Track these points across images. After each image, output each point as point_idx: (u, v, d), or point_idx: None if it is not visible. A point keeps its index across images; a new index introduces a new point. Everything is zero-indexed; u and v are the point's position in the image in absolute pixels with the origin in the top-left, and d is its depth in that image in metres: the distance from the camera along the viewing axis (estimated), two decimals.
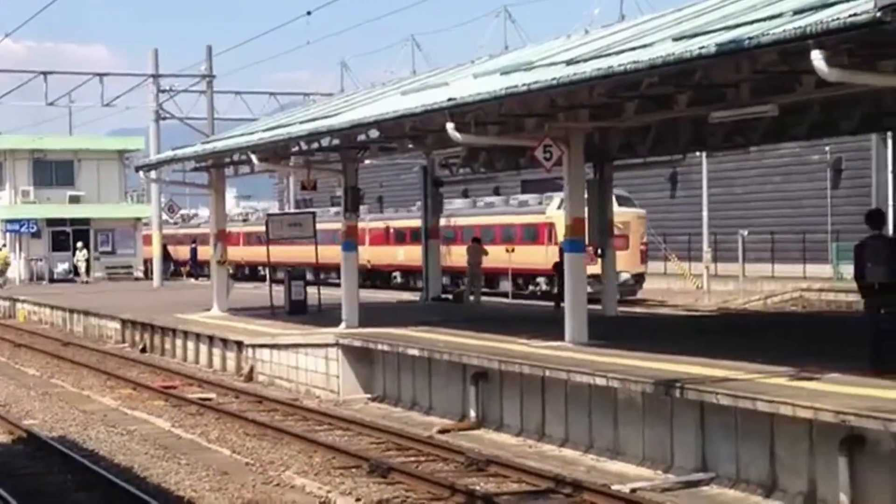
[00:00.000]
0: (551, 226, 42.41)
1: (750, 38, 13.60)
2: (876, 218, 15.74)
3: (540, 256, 42.29)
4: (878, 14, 11.66)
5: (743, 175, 52.43)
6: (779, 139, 27.09)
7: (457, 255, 43.01)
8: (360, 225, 54.11)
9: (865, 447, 12.64)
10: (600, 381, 16.34)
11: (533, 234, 44.64)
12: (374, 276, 53.08)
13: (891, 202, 42.29)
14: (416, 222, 47.28)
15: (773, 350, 18.17)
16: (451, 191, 49.97)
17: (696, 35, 15.78)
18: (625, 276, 40.86)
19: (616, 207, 40.86)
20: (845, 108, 21.83)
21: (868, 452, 12.62)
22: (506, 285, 42.85)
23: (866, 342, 15.58)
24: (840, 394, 13.62)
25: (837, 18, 12.33)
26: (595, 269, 39.98)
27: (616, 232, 39.84)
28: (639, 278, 43.63)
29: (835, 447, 12.80)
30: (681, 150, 28.31)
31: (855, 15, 12.09)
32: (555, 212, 41.26)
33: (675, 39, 16.13)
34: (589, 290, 39.43)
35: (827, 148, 47.49)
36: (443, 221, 47.43)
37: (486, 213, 48.64)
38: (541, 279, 43.43)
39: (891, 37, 13.28)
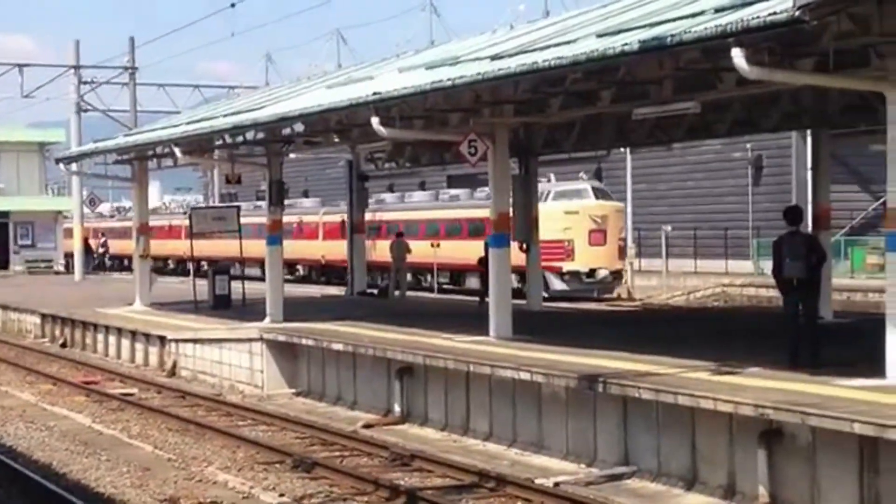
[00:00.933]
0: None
1: (672, 36, 13.73)
2: (793, 215, 15.94)
3: (513, 252, 40.07)
4: (797, 13, 11.82)
5: (666, 171, 52.89)
6: (701, 136, 27.42)
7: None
8: (314, 218, 52.04)
9: (783, 440, 12.83)
10: (524, 376, 16.41)
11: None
12: (328, 273, 50.59)
13: (810, 199, 42.84)
14: (378, 215, 45.74)
15: (695, 345, 18.37)
16: (377, 185, 49.90)
17: (619, 32, 15.90)
18: (603, 272, 39.54)
19: (593, 200, 39.62)
20: (766, 106, 22.13)
21: (786, 445, 12.81)
22: (473, 282, 39.55)
23: (785, 337, 15.83)
24: (759, 388, 13.80)
25: (757, 17, 12.49)
26: (573, 265, 38.49)
27: (594, 226, 38.94)
28: (617, 275, 41.47)
29: (754, 440, 12.98)
30: (605, 146, 28.59)
31: (774, 14, 12.25)
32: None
33: (599, 36, 16.24)
34: (565, 287, 38.11)
35: (748, 145, 48.07)
36: (402, 215, 47.00)
37: (448, 206, 45.28)
38: (511, 276, 40.85)
39: (809, 36, 13.53)
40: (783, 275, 15.57)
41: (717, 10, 14.07)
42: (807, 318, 15.65)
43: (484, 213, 38.48)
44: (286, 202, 52.20)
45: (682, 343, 18.72)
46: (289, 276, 45.51)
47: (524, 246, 27.08)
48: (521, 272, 38.75)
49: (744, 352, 16.94)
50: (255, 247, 42.82)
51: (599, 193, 40.76)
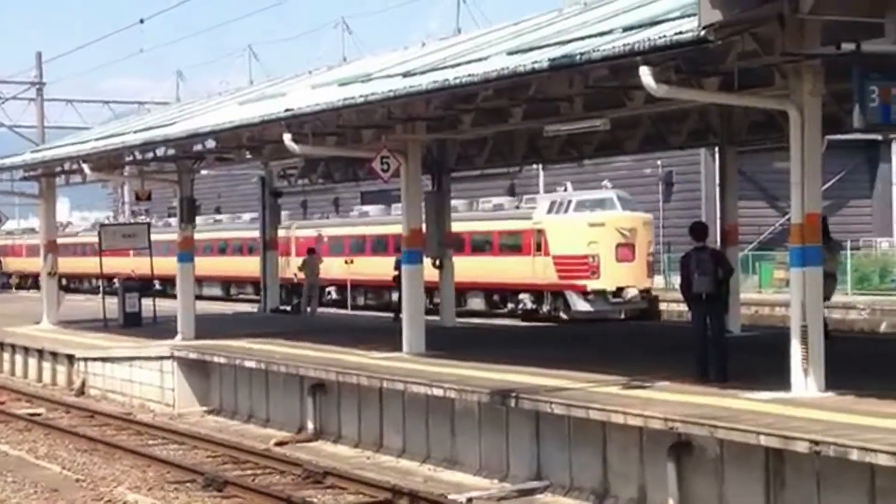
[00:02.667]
0: (540, 233, 35.59)
1: (581, 54, 13.91)
2: (699, 231, 16.12)
3: (524, 269, 35.49)
4: (702, 33, 12.04)
5: (580, 187, 53.37)
6: (612, 152, 27.72)
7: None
8: (285, 234, 45.76)
9: (693, 453, 12.99)
10: (437, 392, 16.43)
11: (514, 243, 37.38)
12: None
13: (718, 215, 43.33)
14: (362, 229, 42.23)
15: (606, 359, 18.53)
16: (291, 202, 49.64)
17: (530, 49, 16.05)
18: (631, 292, 34.54)
19: (620, 210, 35.05)
20: (674, 123, 22.48)
21: (695, 458, 12.97)
22: (476, 302, 36.79)
23: (693, 351, 16.04)
24: (669, 401, 13.97)
25: (664, 36, 12.70)
26: (598, 283, 33.66)
27: (621, 240, 34.23)
28: (646, 294, 35.90)
29: (664, 453, 13.13)
30: (517, 162, 28.73)
31: (680, 33, 12.47)
32: (545, 216, 35.52)
33: (510, 53, 16.38)
34: (589, 307, 33.39)
35: (659, 162, 48.66)
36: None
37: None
38: (524, 296, 36.11)
39: (714, 55, 13.78)
40: (692, 290, 15.76)
41: (625, 30, 14.28)
42: (714, 332, 15.87)
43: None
44: (252, 215, 49.89)
45: (594, 358, 18.87)
46: (256, 297, 41.44)
47: (437, 262, 27.12)
48: (463, 289, 35.22)
49: (654, 366, 17.12)
50: (205, 264, 41.55)
51: (626, 203, 36.36)
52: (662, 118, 21.78)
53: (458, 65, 17.67)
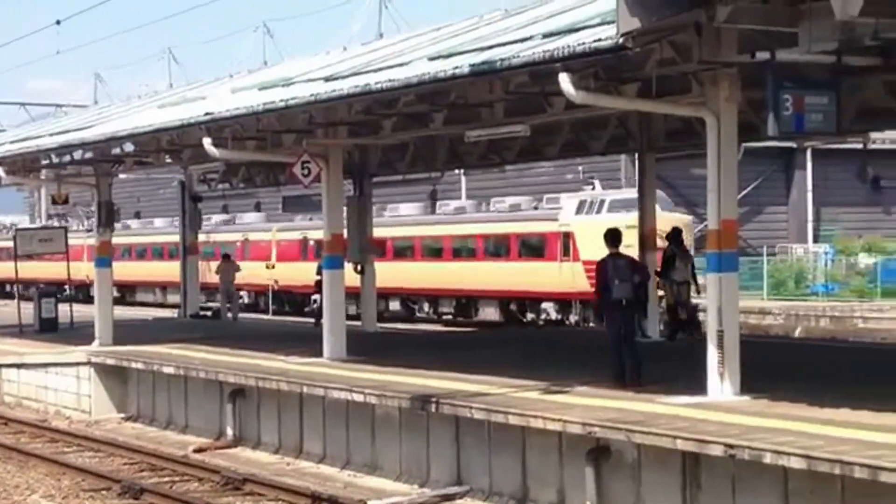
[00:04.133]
0: (568, 236, 32.92)
1: (502, 60, 13.97)
2: (613, 237, 16.17)
3: (549, 276, 32.65)
4: (621, 40, 12.14)
5: (502, 192, 53.57)
6: (533, 158, 27.84)
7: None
8: (265, 236, 44.69)
9: (611, 457, 13.08)
10: (358, 397, 16.39)
11: (537, 248, 34.60)
12: (284, 300, 43.61)
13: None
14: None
15: (528, 364, 18.61)
16: (212, 206, 49.18)
17: (451, 55, 16.07)
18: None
19: (659, 212, 30.32)
20: (594, 130, 22.64)
21: (613, 462, 13.07)
22: (490, 312, 33.93)
23: (610, 356, 16.15)
24: (587, 406, 14.05)
25: (583, 43, 12.79)
26: None
27: (662, 244, 32.61)
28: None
29: (582, 458, 13.21)
30: (439, 167, 28.77)
31: (599, 40, 12.56)
32: (574, 217, 32.85)
33: (431, 59, 16.39)
34: None
35: (580, 167, 49.03)
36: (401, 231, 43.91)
37: (458, 220, 38.71)
38: (548, 304, 33.32)
39: (633, 62, 13.91)
40: (612, 296, 15.76)
41: (545, 36, 14.35)
42: (629, 337, 16.01)
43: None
44: (230, 216, 48.08)
45: (516, 362, 18.93)
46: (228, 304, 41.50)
47: (359, 268, 27.06)
48: (474, 297, 34.18)
49: (575, 371, 17.21)
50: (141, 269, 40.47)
51: (664, 203, 33.31)
52: (583, 124, 21.93)
53: (380, 70, 17.64)
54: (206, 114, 19.50)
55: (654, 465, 12.60)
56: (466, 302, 36.20)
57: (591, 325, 30.43)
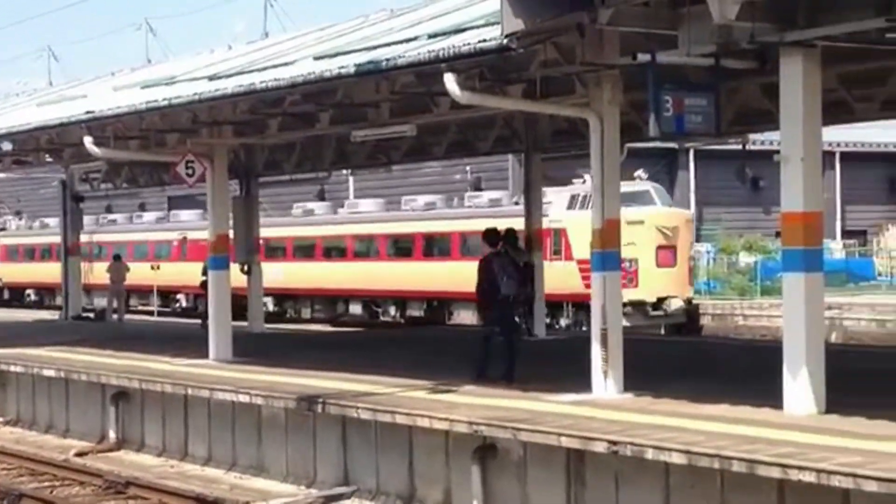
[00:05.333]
0: (559, 233, 30.68)
1: (387, 60, 13.99)
2: (492, 236, 16.39)
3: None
4: (505, 41, 12.23)
5: (389, 192, 53.59)
6: (420, 158, 27.92)
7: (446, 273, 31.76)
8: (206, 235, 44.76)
9: (497, 456, 13.16)
10: (243, 398, 16.26)
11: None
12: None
13: (523, 220, 43.43)
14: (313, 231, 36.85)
15: (416, 363, 18.63)
16: (95, 206, 48.28)
17: (336, 55, 16.05)
18: (676, 303, 29.79)
19: (661, 206, 30.22)
20: (481, 130, 22.77)
21: (499, 460, 13.14)
22: (466, 315, 30.82)
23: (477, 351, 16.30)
24: (474, 405, 14.11)
25: (468, 44, 12.87)
26: (637, 293, 28.59)
27: (663, 241, 29.48)
28: (689, 306, 30.91)
29: (469, 456, 13.27)
30: (326, 167, 28.66)
31: (484, 41, 12.65)
32: (565, 213, 30.60)
33: (317, 58, 16.35)
34: (625, 323, 31.54)
35: (468, 167, 49.25)
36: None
37: (428, 216, 36.02)
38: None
39: (518, 63, 14.04)
40: (500, 294, 15.84)
41: (430, 37, 14.41)
42: (511, 334, 16.22)
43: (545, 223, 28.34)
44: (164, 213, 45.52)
45: (404, 362, 18.95)
46: (165, 308, 39.13)
47: (245, 268, 26.85)
48: (448, 299, 31.09)
49: (462, 370, 17.25)
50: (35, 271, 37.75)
51: (663, 197, 31.58)
52: (469, 124, 22.05)
53: (265, 69, 17.55)
54: (87, 112, 19.20)
55: (539, 463, 12.71)
56: (438, 304, 33.60)
57: (585, 328, 27.80)
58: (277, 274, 35.57)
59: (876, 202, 54.67)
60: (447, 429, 13.45)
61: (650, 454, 11.18)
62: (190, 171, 19.58)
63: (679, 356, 20.45)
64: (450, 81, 13.22)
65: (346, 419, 14.90)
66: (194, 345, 21.43)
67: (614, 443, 11.52)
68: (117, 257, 36.25)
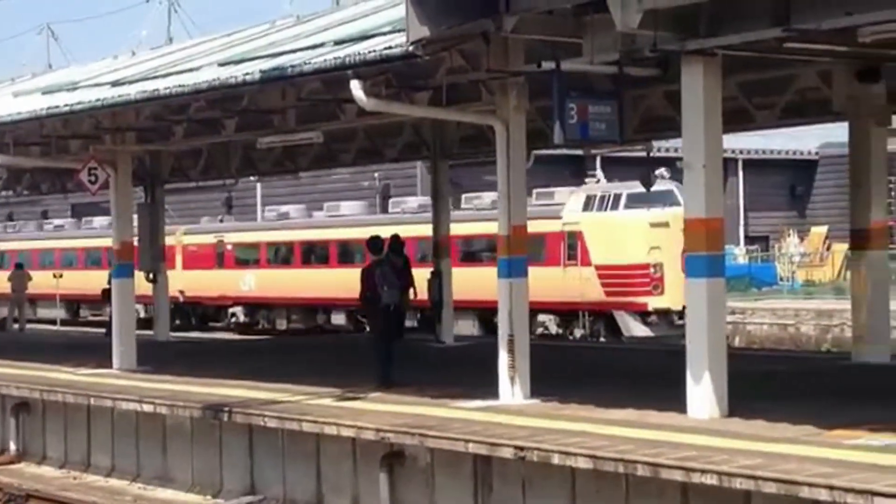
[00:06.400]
0: (575, 236, 28.39)
1: (293, 66, 13.94)
2: (375, 244, 16.66)
3: (549, 283, 26.97)
4: (411, 48, 12.25)
5: (299, 199, 53.37)
6: (328, 165, 27.79)
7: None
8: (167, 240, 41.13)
9: (405, 462, 13.15)
10: (147, 408, 16.06)
11: (532, 250, 30.40)
12: (186, 313, 38.00)
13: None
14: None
15: (323, 371, 18.53)
16: None
17: (242, 61, 15.96)
18: None
19: (675, 208, 27.03)
20: (389, 137, 22.77)
21: (407, 467, 13.14)
22: (466, 325, 28.64)
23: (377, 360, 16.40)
24: (381, 412, 14.09)
25: (374, 51, 12.88)
26: (662, 301, 26.94)
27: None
28: None
29: (376, 464, 13.25)
30: (233, 174, 28.41)
31: (390, 48, 12.67)
32: (582, 215, 28.50)
33: (221, 65, 16.24)
34: (647, 332, 25.64)
35: (376, 174, 49.23)
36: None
37: (421, 220, 30.72)
38: (547, 316, 28.55)
39: (424, 70, 14.06)
40: (382, 301, 16.11)
41: (336, 43, 14.39)
42: (390, 341, 16.44)
43: (557, 226, 28.92)
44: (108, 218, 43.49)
45: (310, 370, 18.83)
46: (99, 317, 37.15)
47: (151, 276, 26.52)
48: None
49: (369, 377, 17.21)
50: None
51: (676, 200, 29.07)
52: (377, 131, 22.04)
53: (169, 74, 17.38)
54: None
55: (446, 469, 12.72)
56: (431, 314, 32.31)
57: (603, 339, 27.25)
58: (249, 282, 34.50)
59: (778, 208, 55.60)
60: (354, 436, 13.41)
61: (556, 459, 11.25)
62: (93, 178, 19.30)
63: (588, 362, 20.60)
64: (356, 88, 13.21)
65: (253, 427, 14.79)
66: (98, 354, 21.11)
67: (521, 448, 11.56)
68: (19, 266, 35.60)
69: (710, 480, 9.98)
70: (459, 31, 12.68)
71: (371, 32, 14.19)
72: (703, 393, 12.27)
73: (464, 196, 32.93)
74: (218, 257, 37.32)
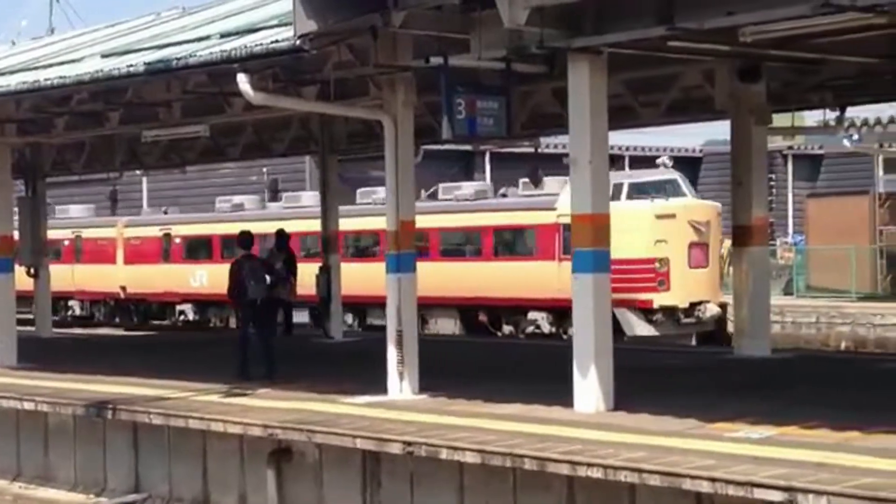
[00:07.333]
0: (570, 229, 27.29)
1: (178, 59, 13.76)
2: (245, 240, 16.80)
3: (542, 278, 26.03)
4: (298, 42, 12.17)
5: (186, 194, 52.73)
6: (215, 159, 27.48)
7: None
8: (108, 233, 35.25)
9: (293, 458, 13.09)
10: (28, 406, 15.75)
11: (523, 244, 27.76)
12: (132, 311, 36.08)
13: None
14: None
15: (211, 367, 18.30)
16: None
17: (126, 53, 15.71)
18: (710, 309, 26.09)
19: (691, 198, 26.44)
20: (277, 131, 22.59)
21: (295, 463, 13.08)
22: (447, 324, 27.46)
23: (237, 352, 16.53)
24: (269, 408, 14.00)
25: (261, 44, 12.77)
26: (668, 298, 25.31)
27: (695, 238, 25.57)
28: (724, 311, 26.69)
29: (264, 460, 13.16)
30: (118, 168, 27.94)
31: (277, 42, 12.57)
32: None
33: (105, 56, 15.98)
34: (652, 331, 23.76)
35: (265, 169, 48.86)
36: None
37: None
38: (538, 314, 26.76)
39: (312, 64, 13.99)
40: (248, 296, 16.27)
41: (223, 36, 14.24)
42: (266, 336, 16.63)
43: (552, 217, 26.39)
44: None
45: (198, 366, 18.64)
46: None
47: (32, 271, 25.95)
48: (428, 305, 25.44)
49: (256, 372, 17.10)
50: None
51: (691, 188, 27.61)
52: (265, 125, 21.85)
53: (51, 65, 17.04)
54: None
55: (334, 465, 12.69)
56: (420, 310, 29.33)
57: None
58: (201, 277, 32.70)
59: None
60: (242, 433, 13.30)
61: (444, 454, 11.28)
62: None
63: (475, 357, 20.68)
64: (243, 82, 13.09)
65: (138, 425, 14.60)
66: None
67: (409, 444, 11.58)
68: None
69: (596, 474, 10.10)
70: (347, 26, 12.64)
71: (258, 25, 14.06)
72: (589, 387, 12.41)
73: (359, 191, 32.58)
74: (164, 251, 35.32)
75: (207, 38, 14.47)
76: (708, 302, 26.02)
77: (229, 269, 16.64)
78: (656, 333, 23.49)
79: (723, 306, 26.52)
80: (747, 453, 10.01)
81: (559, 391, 12.81)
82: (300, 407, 13.97)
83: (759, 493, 9.05)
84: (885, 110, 27.25)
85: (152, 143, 20.08)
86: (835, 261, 33.87)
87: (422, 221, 28.05)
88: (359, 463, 12.44)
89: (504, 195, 28.34)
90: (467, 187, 29.91)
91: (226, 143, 23.34)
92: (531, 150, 27.93)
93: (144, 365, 18.96)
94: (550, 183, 27.66)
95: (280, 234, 23.60)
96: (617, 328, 23.96)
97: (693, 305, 25.73)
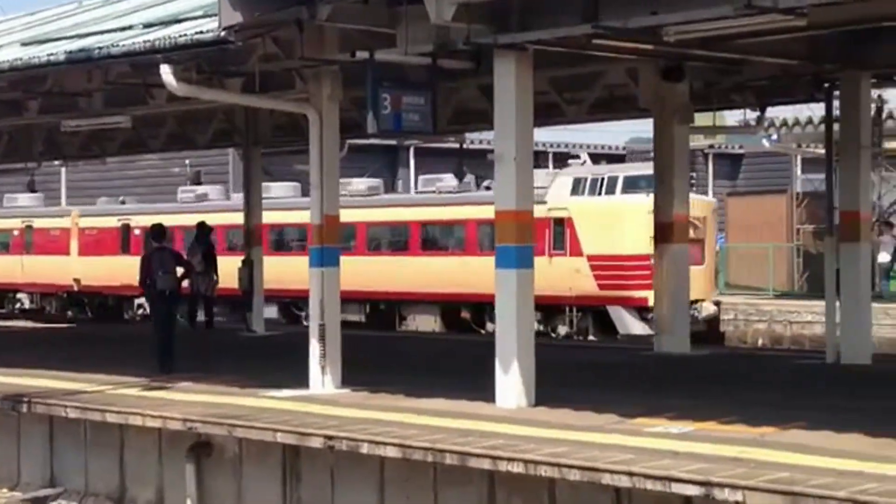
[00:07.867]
0: (562, 223, 25.58)
1: (100, 49, 13.60)
2: (158, 232, 17.32)
3: (535, 274, 22.23)
4: (223, 33, 12.08)
5: (107, 185, 52.05)
6: (137, 150, 27.18)
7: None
8: (62, 223, 34.32)
9: (212, 453, 12.99)
10: None
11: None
12: (86, 302, 34.99)
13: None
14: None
15: (130, 360, 18.10)
16: None
17: (46, 41, 15.50)
18: (708, 308, 25.60)
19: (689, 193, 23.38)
20: (200, 123, 22.40)
21: (215, 457, 12.98)
22: (426, 321, 26.61)
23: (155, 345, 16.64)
24: (189, 402, 13.89)
25: (185, 35, 12.65)
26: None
27: (691, 234, 21.92)
28: (719, 308, 26.80)
29: (182, 454, 13.05)
30: (36, 158, 27.54)
31: (201, 33, 12.46)
32: (571, 199, 25.58)
33: (24, 44, 15.75)
34: (646, 329, 22.28)
35: (187, 161, 48.40)
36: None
37: (383, 203, 29.72)
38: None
39: (237, 56, 13.89)
40: (157, 287, 16.57)
41: (146, 26, 14.09)
42: (166, 327, 16.83)
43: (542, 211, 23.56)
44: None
45: (117, 358, 18.43)
46: None
47: None
48: (406, 301, 26.67)
49: (179, 366, 16.93)
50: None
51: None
52: (188, 117, 21.67)
53: None
54: None
55: (255, 459, 12.61)
56: (386, 307, 28.15)
57: (592, 337, 24.99)
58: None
59: None
60: (160, 426, 13.18)
61: (365, 448, 11.26)
62: None
63: (399, 352, 20.69)
64: (166, 73, 12.98)
65: (54, 418, 14.41)
66: None
67: (330, 437, 11.55)
68: None
69: (517, 469, 10.15)
70: (273, 18, 12.57)
71: (182, 16, 13.93)
72: (511, 383, 12.46)
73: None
74: (123, 242, 33.76)
75: (130, 27, 14.31)
76: (704, 300, 25.56)
77: (140, 260, 16.99)
78: (652, 333, 21.61)
79: (719, 305, 26.24)
80: (666, 448, 10.11)
81: (485, 386, 12.85)
82: (221, 401, 13.87)
83: (677, 488, 9.15)
84: (804, 111, 27.70)
85: (72, 133, 19.82)
86: (753, 258, 34.30)
87: (400, 214, 28.09)
88: (279, 457, 12.38)
89: (488, 188, 26.52)
90: (449, 179, 29.03)
91: (148, 135, 23.11)
92: (456, 145, 28.08)
93: (63, 357, 18.71)
94: (538, 176, 25.62)
95: (201, 226, 23.43)
96: (610, 327, 24.82)
97: (689, 304, 25.03)
